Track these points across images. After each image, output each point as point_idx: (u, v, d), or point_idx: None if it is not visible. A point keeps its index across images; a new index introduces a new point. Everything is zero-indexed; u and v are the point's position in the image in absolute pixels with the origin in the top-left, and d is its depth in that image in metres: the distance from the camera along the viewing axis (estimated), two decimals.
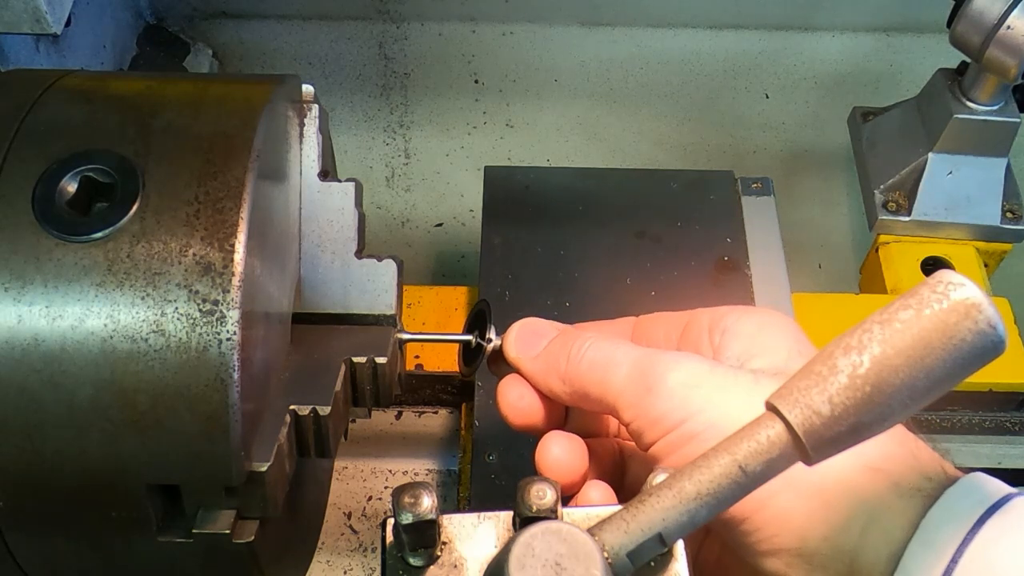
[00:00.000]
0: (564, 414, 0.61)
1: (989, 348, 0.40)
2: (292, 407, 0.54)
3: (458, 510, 0.67)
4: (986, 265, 1.07)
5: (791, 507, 0.48)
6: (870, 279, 1.10)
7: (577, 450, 0.57)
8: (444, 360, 0.95)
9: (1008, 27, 0.93)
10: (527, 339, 0.60)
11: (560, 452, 0.58)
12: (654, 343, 0.60)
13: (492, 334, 0.62)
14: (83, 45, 1.08)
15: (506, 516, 0.49)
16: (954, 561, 0.44)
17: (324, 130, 0.61)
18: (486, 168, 1.02)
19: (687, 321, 0.59)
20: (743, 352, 0.55)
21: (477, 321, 0.64)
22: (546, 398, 0.59)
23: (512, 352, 0.60)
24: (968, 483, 0.47)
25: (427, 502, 0.45)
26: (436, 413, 1.00)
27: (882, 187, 1.08)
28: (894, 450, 0.49)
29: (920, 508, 0.46)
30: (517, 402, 0.59)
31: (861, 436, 0.42)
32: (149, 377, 0.47)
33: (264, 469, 0.50)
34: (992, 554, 0.44)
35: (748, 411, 0.48)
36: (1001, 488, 0.47)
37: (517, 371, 0.60)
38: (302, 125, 0.60)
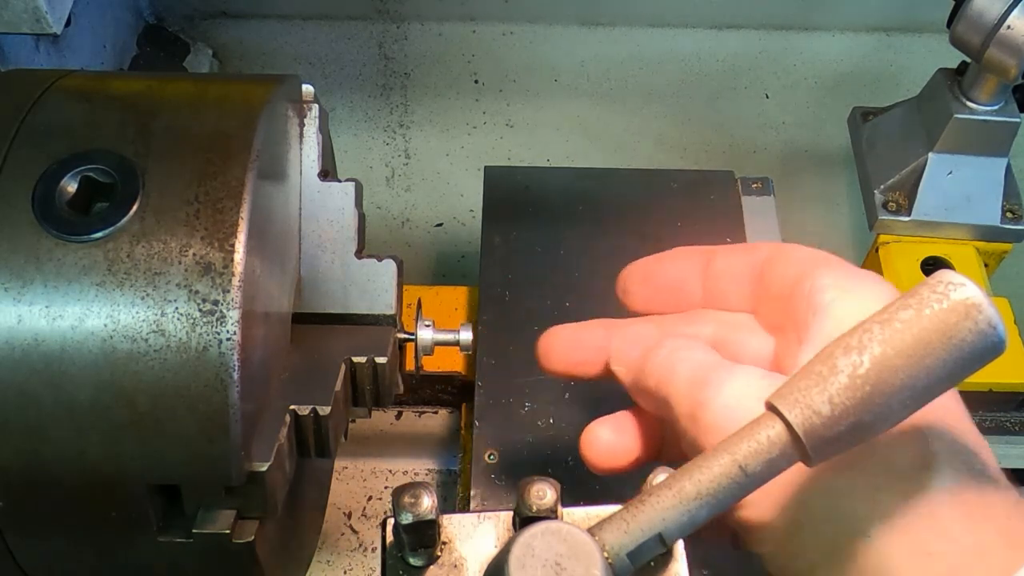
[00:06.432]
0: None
1: (989, 348, 0.40)
2: (292, 407, 0.54)
3: (458, 510, 0.67)
4: (986, 265, 1.07)
5: None
6: None
7: (628, 429, 0.54)
8: (444, 360, 0.95)
9: (1008, 27, 0.93)
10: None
11: (611, 436, 0.54)
12: (724, 296, 0.56)
13: (417, 327, 0.64)
14: (83, 45, 1.08)
15: (506, 516, 0.49)
16: None
17: (324, 130, 0.61)
18: (486, 168, 1.02)
19: (761, 272, 0.53)
20: (830, 337, 0.46)
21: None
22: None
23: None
24: None
25: (427, 502, 0.45)
26: (436, 413, 1.00)
27: (882, 187, 1.08)
28: (959, 534, 0.42)
29: None
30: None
31: (861, 436, 0.42)
32: (149, 377, 0.47)
33: (264, 469, 0.50)
34: None
35: None
36: None
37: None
38: (302, 125, 0.60)
